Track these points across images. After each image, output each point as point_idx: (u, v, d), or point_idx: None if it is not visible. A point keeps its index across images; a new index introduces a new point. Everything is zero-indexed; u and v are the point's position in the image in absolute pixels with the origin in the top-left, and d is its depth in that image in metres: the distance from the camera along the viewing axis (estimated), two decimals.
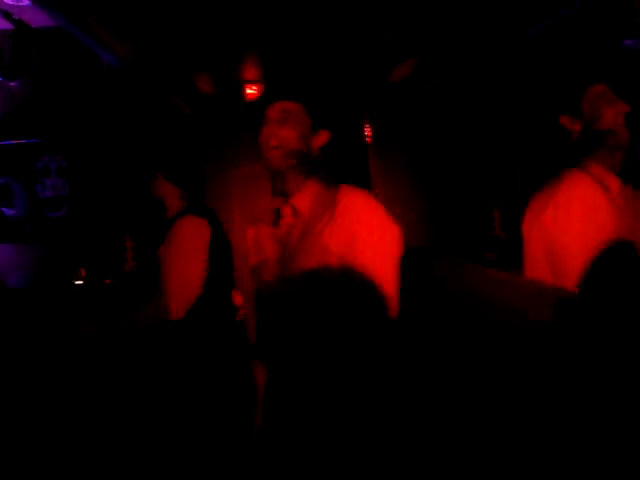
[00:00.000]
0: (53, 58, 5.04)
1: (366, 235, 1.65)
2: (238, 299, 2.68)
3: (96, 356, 2.32)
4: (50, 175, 5.00)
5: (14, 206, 5.00)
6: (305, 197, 1.79)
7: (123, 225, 4.90)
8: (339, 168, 1.97)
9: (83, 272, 4.45)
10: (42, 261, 4.92)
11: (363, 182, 4.85)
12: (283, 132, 1.79)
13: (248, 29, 4.78)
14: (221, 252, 2.58)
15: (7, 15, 4.60)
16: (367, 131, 4.97)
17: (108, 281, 4.40)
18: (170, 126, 4.92)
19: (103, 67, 5.05)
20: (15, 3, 4.44)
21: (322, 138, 1.85)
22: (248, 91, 5.28)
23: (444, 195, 5.08)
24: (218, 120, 5.57)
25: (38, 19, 4.72)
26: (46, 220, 4.99)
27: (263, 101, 1.88)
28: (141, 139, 5.01)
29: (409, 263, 1.71)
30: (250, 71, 5.21)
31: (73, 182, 4.99)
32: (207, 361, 2.40)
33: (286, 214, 1.82)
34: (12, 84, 4.93)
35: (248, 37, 4.81)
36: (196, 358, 2.40)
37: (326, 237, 1.67)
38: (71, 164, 4.99)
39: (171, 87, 5.29)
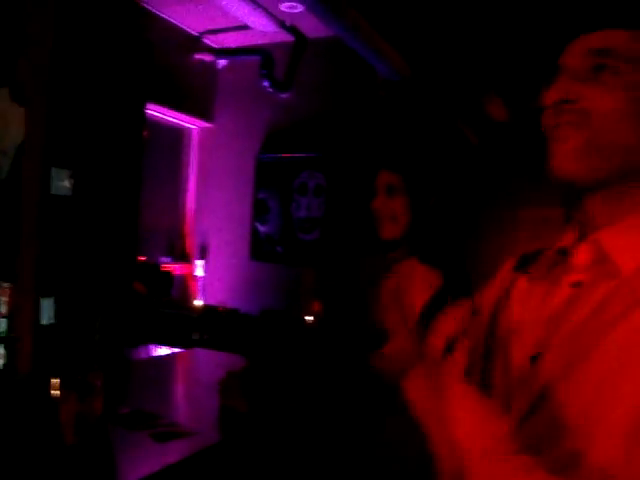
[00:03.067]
0: (325, 70, 4.69)
1: None
2: None
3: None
4: (307, 194, 4.64)
5: (267, 223, 4.75)
6: (629, 234, 0.77)
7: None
8: None
9: (317, 305, 3.95)
10: (289, 284, 4.59)
11: None
12: (591, 95, 0.78)
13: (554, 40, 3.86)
14: None
15: (281, 23, 4.36)
16: None
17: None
18: (450, 155, 4.20)
19: (378, 81, 4.56)
20: (289, 10, 4.17)
21: None
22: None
23: None
24: (508, 153, 4.64)
25: (312, 29, 4.42)
26: (296, 242, 4.64)
27: None
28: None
29: None
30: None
31: (329, 203, 4.56)
32: None
33: (579, 260, 0.81)
34: (283, 96, 4.71)
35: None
36: None
37: None
38: (329, 184, 4.56)
39: (454, 109, 4.57)
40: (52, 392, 1.13)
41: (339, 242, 4.43)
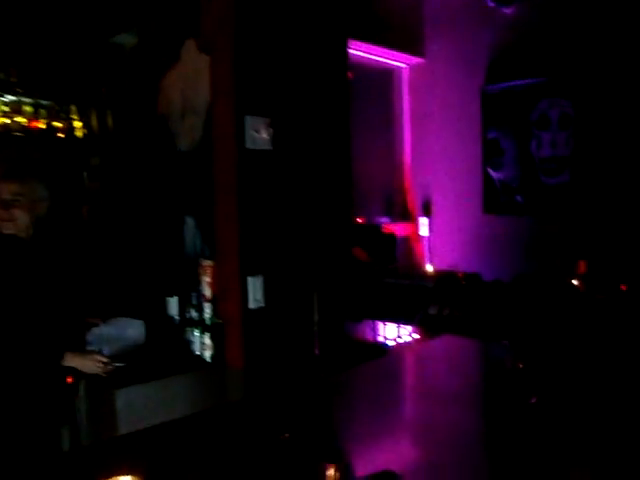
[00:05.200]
0: None
1: None
2: None
3: None
4: (549, 127, 3.74)
5: (502, 168, 3.94)
6: None
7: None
8: None
9: (582, 266, 3.07)
10: (532, 240, 3.75)
11: None
12: None
13: None
14: None
15: None
16: None
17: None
18: None
19: None
20: None
21: None
22: None
23: None
24: None
25: None
26: (540, 187, 3.77)
27: None
28: None
29: None
30: None
31: (579, 137, 3.61)
32: None
33: None
34: (506, 11, 3.86)
35: None
36: None
37: None
38: (578, 112, 3.61)
39: None
40: None
41: (594, 184, 3.50)
